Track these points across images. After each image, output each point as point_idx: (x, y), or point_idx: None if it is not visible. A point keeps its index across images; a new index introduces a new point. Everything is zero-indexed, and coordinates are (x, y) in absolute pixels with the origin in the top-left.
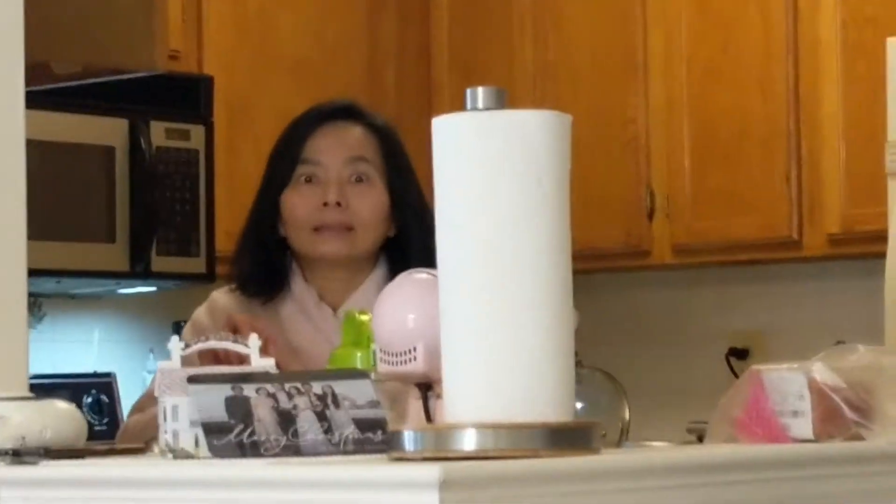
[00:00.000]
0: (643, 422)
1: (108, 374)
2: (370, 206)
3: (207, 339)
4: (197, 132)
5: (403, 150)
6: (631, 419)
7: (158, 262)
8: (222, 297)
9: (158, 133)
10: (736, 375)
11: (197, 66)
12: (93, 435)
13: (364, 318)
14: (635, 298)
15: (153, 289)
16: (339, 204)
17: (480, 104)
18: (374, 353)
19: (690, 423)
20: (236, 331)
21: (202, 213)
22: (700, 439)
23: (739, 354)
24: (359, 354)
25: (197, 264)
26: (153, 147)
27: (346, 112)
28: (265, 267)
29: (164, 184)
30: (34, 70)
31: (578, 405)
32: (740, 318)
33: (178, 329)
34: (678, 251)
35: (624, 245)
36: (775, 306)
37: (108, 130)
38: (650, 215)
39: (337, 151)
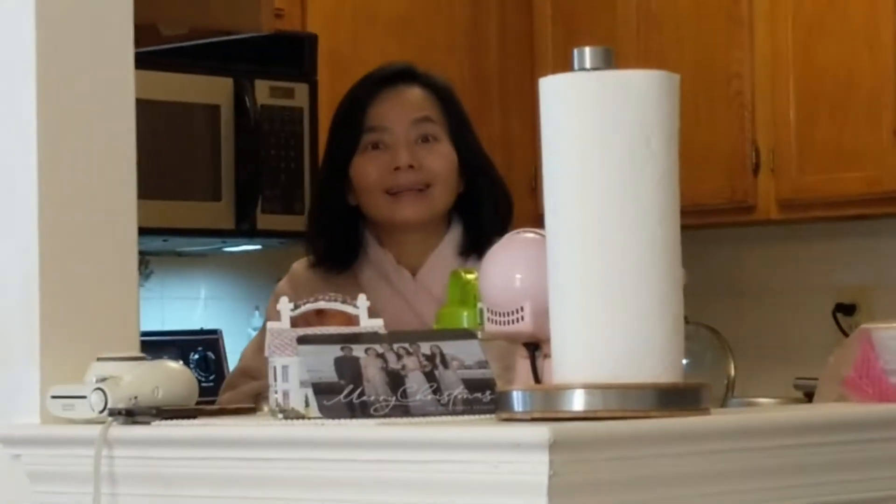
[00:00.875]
0: (749, 378)
1: (214, 332)
2: (442, 162)
3: (317, 299)
4: (301, 90)
5: (462, 108)
6: (737, 375)
7: (263, 220)
8: (303, 269)
9: (263, 91)
10: (843, 331)
11: (301, 24)
12: (200, 391)
13: (470, 276)
14: (740, 254)
15: (258, 247)
16: (411, 166)
17: (588, 64)
18: (481, 312)
19: (797, 380)
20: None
21: (306, 170)
22: (807, 396)
23: (846, 310)
24: (465, 314)
25: (301, 222)
26: (258, 105)
27: (403, 75)
28: (341, 239)
29: (268, 142)
30: (142, 32)
31: (684, 361)
32: (847, 273)
33: None
34: (783, 206)
35: (729, 200)
36: (882, 262)
37: (213, 89)
38: (755, 170)
39: (401, 115)
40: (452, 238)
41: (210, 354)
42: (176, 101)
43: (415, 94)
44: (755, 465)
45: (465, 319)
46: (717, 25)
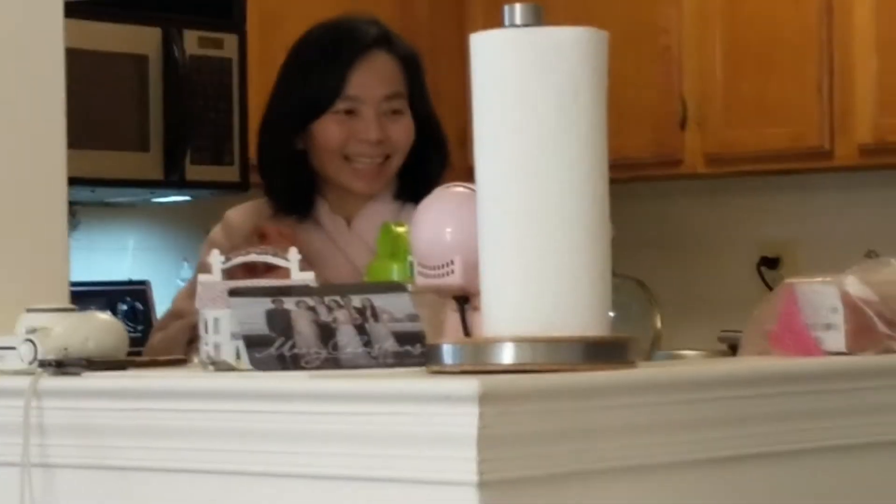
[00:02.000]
0: (674, 330)
1: (142, 282)
2: (405, 134)
3: (248, 252)
4: (230, 41)
5: (424, 76)
6: (662, 328)
7: (192, 171)
8: (236, 215)
9: (192, 42)
10: (767, 284)
11: None
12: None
13: (400, 230)
14: (667, 207)
15: (187, 198)
16: (380, 141)
17: (518, 20)
18: (411, 265)
19: (722, 332)
20: (264, 237)
21: (236, 121)
22: (731, 348)
23: (770, 263)
24: (395, 267)
25: (231, 173)
26: (186, 56)
27: (383, 40)
28: (301, 186)
29: (197, 93)
30: None
31: (610, 314)
32: (771, 227)
33: None
34: (710, 160)
35: (656, 154)
36: (806, 216)
37: (142, 39)
38: (682, 125)
39: (377, 88)
40: (389, 189)
41: (138, 305)
42: (104, 50)
43: (389, 66)
44: (680, 417)
45: (395, 272)
46: None
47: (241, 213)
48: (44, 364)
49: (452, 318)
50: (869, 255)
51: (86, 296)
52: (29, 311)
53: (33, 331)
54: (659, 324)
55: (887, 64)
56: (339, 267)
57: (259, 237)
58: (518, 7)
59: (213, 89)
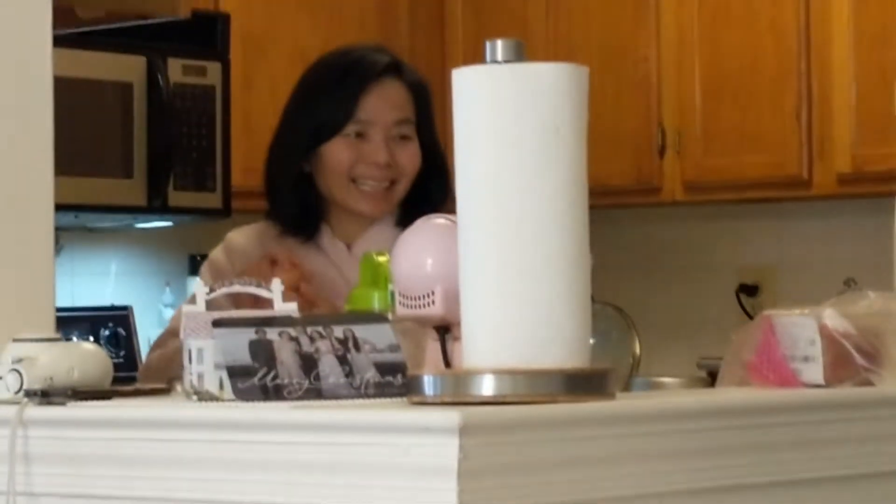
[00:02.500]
0: (654, 356)
1: (124, 308)
2: (412, 160)
3: (232, 283)
4: (213, 69)
5: (432, 105)
6: (642, 354)
7: (175, 197)
8: (239, 237)
9: (176, 70)
10: (746, 311)
11: (213, 3)
12: None
13: (381, 259)
14: (646, 235)
15: (170, 223)
16: (388, 165)
17: (500, 56)
18: (392, 294)
19: (701, 359)
20: (275, 264)
21: (218, 148)
22: (710, 375)
23: (749, 291)
24: (376, 295)
25: (213, 199)
26: (171, 83)
27: (391, 68)
28: (305, 206)
29: (181, 120)
30: (59, 13)
31: (590, 340)
32: (750, 254)
33: (193, 263)
34: (688, 188)
35: (635, 182)
36: (785, 244)
37: (126, 67)
38: (661, 152)
39: (387, 113)
40: (392, 215)
41: (121, 331)
42: (89, 78)
43: (399, 93)
44: (659, 449)
45: (376, 301)
46: (624, 10)
47: (243, 236)
48: (29, 394)
49: (433, 348)
50: (847, 284)
51: (68, 321)
52: (15, 340)
53: (19, 360)
54: (638, 350)
55: (865, 93)
56: (339, 290)
57: (270, 263)
58: (500, 43)
59: (197, 116)
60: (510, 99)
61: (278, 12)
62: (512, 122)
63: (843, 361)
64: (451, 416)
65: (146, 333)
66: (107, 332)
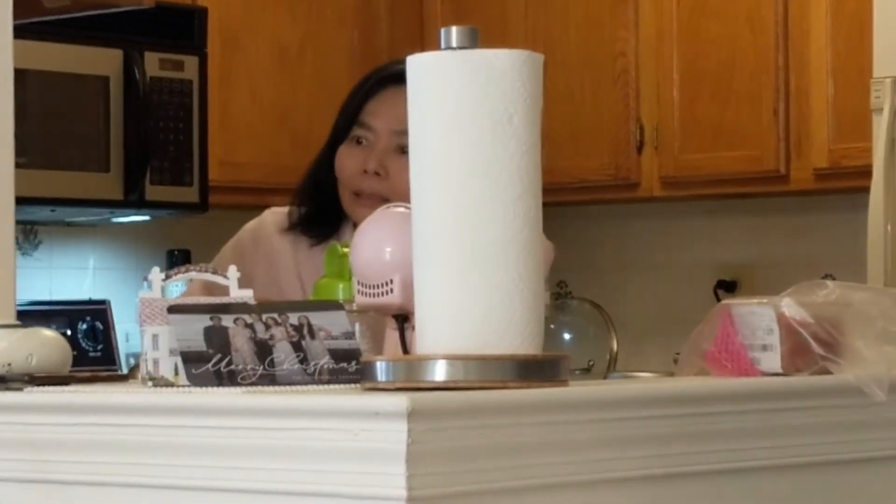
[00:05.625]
0: (631, 352)
1: (102, 302)
2: (408, 179)
3: (188, 269)
4: (191, 63)
5: None
6: (619, 350)
7: (152, 191)
8: (272, 219)
9: (153, 63)
10: None
11: None
12: (88, 361)
13: (346, 250)
14: (624, 230)
15: (147, 217)
16: (377, 173)
17: (455, 43)
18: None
19: (677, 354)
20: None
21: (195, 142)
22: None
23: (728, 287)
24: (341, 286)
25: (190, 193)
26: (147, 77)
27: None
28: (321, 212)
29: (157, 114)
30: (22, 2)
31: (567, 336)
32: (728, 250)
33: (171, 257)
34: (666, 184)
35: (613, 177)
36: (762, 239)
37: (103, 61)
38: (639, 148)
39: (389, 120)
40: None
41: (98, 325)
42: (66, 71)
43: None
44: (609, 435)
45: (340, 291)
46: (602, 4)
47: (277, 217)
48: None
49: (391, 336)
50: (825, 279)
51: (46, 314)
52: None
53: None
54: (615, 345)
55: (842, 89)
56: None
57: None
58: (454, 29)
59: (174, 110)
60: (463, 85)
61: (256, 6)
62: (464, 109)
63: (800, 350)
64: (400, 401)
65: (124, 328)
66: (84, 326)
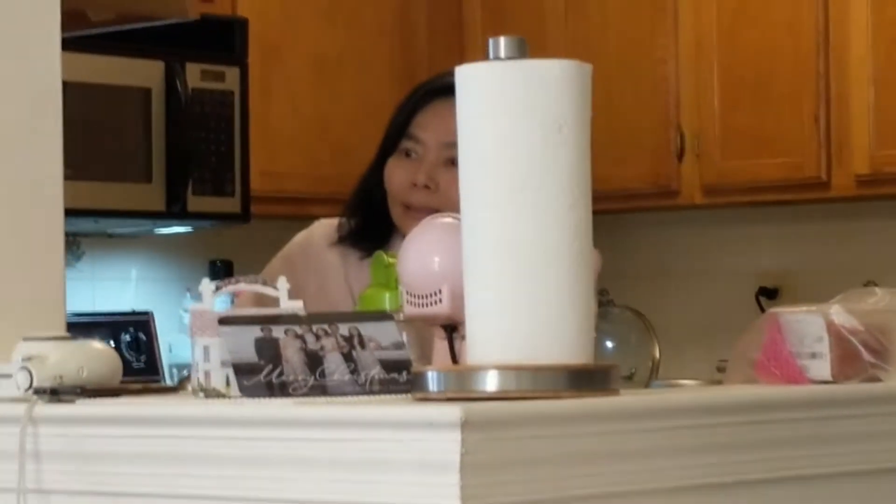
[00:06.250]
0: (673, 360)
1: (145, 313)
2: (457, 188)
3: (238, 281)
4: (232, 74)
5: None
6: (661, 357)
7: (194, 202)
8: (322, 231)
9: (194, 75)
10: None
11: (231, 8)
12: (131, 372)
13: (392, 260)
14: (665, 238)
15: (189, 228)
16: (427, 186)
17: (503, 53)
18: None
19: (720, 362)
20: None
21: (237, 153)
22: None
23: (769, 294)
24: (387, 295)
25: (232, 204)
26: (189, 88)
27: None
28: (370, 224)
29: (199, 125)
30: (69, 16)
31: (609, 344)
32: (769, 257)
33: (213, 268)
34: (707, 191)
35: (653, 185)
36: (804, 246)
37: (145, 72)
38: (679, 155)
39: (438, 133)
40: None
41: (141, 336)
42: (108, 83)
43: None
44: (662, 444)
45: (387, 301)
46: (642, 12)
47: (328, 229)
48: (39, 392)
49: (440, 346)
50: (867, 286)
51: (89, 326)
52: (26, 339)
53: (29, 359)
54: (658, 353)
55: (883, 95)
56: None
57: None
58: (503, 40)
59: (215, 121)
60: (513, 95)
61: (296, 18)
62: (514, 119)
63: (850, 358)
64: (454, 412)
65: (166, 339)
66: (128, 338)
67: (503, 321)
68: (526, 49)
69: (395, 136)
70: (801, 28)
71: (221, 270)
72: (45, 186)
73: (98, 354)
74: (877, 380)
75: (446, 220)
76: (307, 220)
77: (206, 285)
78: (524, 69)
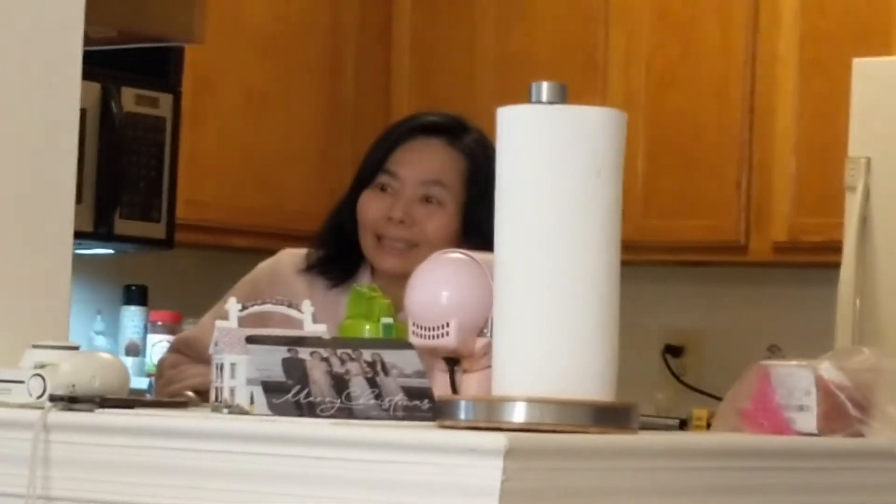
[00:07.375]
0: None
1: None
2: (435, 227)
3: (264, 302)
4: (165, 100)
5: (488, 175)
6: None
7: (121, 226)
8: (289, 260)
9: (129, 98)
10: (672, 371)
11: None
12: None
13: (374, 294)
14: None
15: (111, 251)
16: (402, 221)
17: (544, 97)
18: (385, 326)
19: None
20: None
21: (165, 179)
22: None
23: (674, 351)
24: (367, 326)
25: (157, 230)
26: (123, 112)
27: (442, 128)
28: (340, 255)
29: (131, 149)
30: None
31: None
32: (679, 316)
33: (128, 292)
34: (626, 248)
35: None
36: (715, 307)
37: (81, 93)
38: None
39: (416, 169)
40: None
41: None
42: None
43: (439, 154)
44: (677, 483)
45: (366, 332)
46: (573, 68)
47: (294, 258)
48: (55, 399)
49: (440, 377)
50: (771, 350)
51: None
52: (35, 346)
53: (42, 366)
54: None
55: (805, 165)
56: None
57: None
58: (545, 85)
59: (147, 146)
60: (553, 139)
61: (229, 50)
62: (556, 162)
63: (836, 412)
64: (497, 439)
65: None
66: None
67: (535, 356)
68: (566, 95)
69: (373, 170)
70: (728, 95)
71: (136, 295)
72: (55, 198)
73: (109, 364)
74: (860, 435)
75: (455, 255)
76: (226, 250)
77: (233, 304)
78: (568, 114)
